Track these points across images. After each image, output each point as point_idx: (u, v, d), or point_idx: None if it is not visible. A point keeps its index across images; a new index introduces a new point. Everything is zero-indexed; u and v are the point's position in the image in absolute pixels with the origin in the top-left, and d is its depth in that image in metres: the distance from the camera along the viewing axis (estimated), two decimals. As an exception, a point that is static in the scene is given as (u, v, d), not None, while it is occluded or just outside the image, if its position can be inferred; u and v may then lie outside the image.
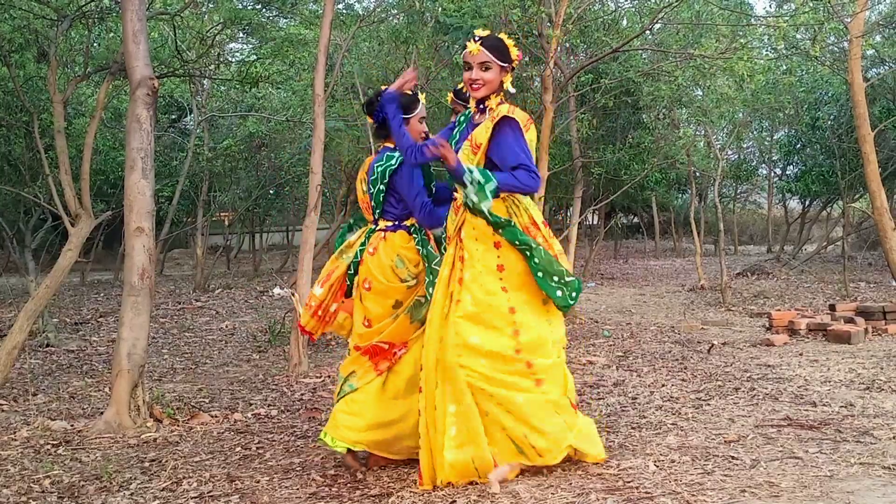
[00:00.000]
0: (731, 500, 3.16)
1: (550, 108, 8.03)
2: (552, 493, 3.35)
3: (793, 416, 4.57)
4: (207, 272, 15.62)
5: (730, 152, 19.94)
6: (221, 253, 21.61)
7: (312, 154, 7.52)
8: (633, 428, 4.47)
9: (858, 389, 5.48)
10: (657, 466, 3.62)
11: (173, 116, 18.22)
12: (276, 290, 14.42)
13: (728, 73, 9.46)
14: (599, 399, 5.45)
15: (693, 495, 3.22)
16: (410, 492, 3.64)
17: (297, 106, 14.33)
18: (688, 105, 12.11)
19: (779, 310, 10.09)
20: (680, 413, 4.85)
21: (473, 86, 3.77)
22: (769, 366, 6.70)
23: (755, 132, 19.59)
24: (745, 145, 20.81)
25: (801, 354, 7.17)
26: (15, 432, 5.32)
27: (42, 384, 7.25)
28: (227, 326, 10.84)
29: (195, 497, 3.74)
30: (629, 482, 3.41)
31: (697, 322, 9.47)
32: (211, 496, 3.74)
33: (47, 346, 9.28)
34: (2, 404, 6.26)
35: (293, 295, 7.54)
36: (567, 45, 11.35)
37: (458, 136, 3.96)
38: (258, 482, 3.93)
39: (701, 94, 12.58)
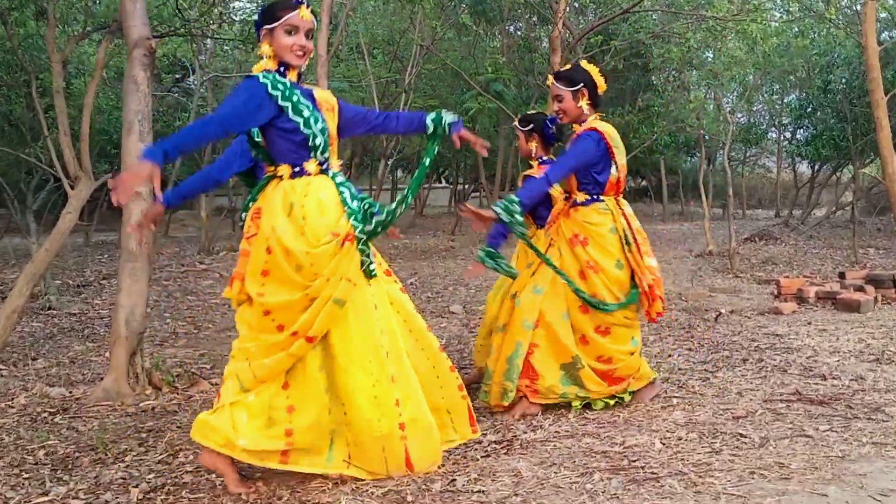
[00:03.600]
0: (739, 482, 3.06)
1: (558, 71, 7.84)
2: (555, 473, 3.26)
3: (802, 391, 4.46)
4: (212, 234, 15.54)
5: (740, 115, 19.69)
6: (226, 214, 21.51)
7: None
8: (638, 401, 4.37)
9: (868, 361, 5.37)
10: (663, 444, 3.51)
11: (178, 76, 18.02)
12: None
13: (740, 36, 9.26)
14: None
15: (700, 476, 3.12)
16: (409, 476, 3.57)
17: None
18: (698, 67, 11.87)
19: (787, 276, 9.96)
20: (686, 386, 4.75)
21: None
22: (777, 335, 6.60)
23: (766, 95, 19.30)
24: (755, 108, 20.51)
25: (809, 324, 7.06)
26: (12, 399, 5.26)
27: (42, 348, 7.19)
28: (229, 290, 10.76)
29: (191, 471, 3.67)
30: (634, 461, 3.31)
31: (705, 289, 9.35)
32: (207, 469, 3.67)
33: (49, 308, 9.21)
34: (1, 369, 6.20)
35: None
36: (576, 5, 11.13)
37: None
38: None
39: (712, 56, 12.34)
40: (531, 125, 5.09)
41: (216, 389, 5.40)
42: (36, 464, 3.87)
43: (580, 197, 4.40)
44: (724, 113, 12.07)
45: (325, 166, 3.40)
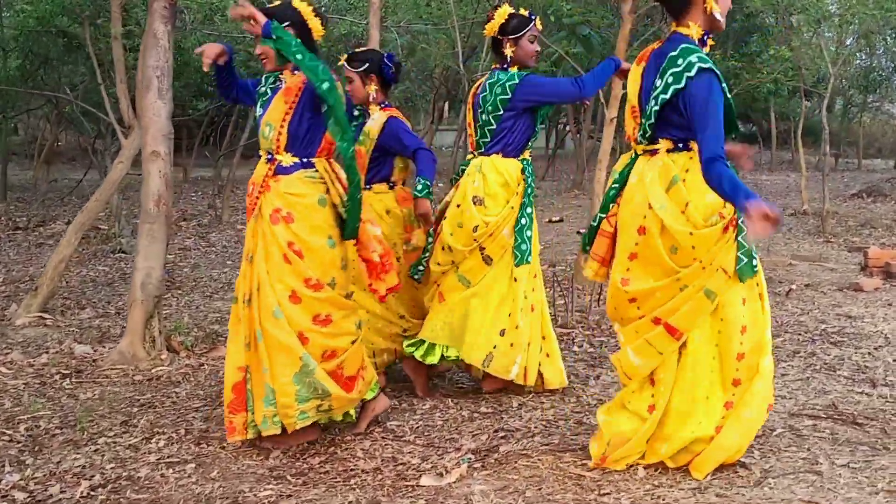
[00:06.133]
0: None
1: (629, 19, 7.16)
2: (513, 500, 2.92)
3: (839, 403, 3.93)
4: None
5: (862, 57, 18.26)
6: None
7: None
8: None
9: (940, 363, 4.76)
10: (646, 472, 3.11)
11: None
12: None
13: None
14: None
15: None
16: (373, 476, 3.31)
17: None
18: (802, 11, 10.87)
19: (884, 244, 9.17)
20: (715, 386, 4.28)
21: None
22: (850, 317, 6.01)
23: (889, 39, 17.78)
24: (879, 52, 18.98)
25: (890, 305, 6.40)
26: (37, 356, 5.26)
27: (96, 296, 7.23)
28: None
29: (153, 462, 3.51)
30: (605, 494, 2.92)
31: (786, 256, 8.66)
32: (168, 462, 3.50)
33: (120, 251, 9.30)
34: (46, 319, 6.22)
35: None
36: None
37: None
38: (223, 448, 3.66)
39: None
40: (366, 64, 4.40)
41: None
42: (10, 440, 3.79)
43: (286, 160, 3.58)
44: (827, 61, 11.02)
45: None
